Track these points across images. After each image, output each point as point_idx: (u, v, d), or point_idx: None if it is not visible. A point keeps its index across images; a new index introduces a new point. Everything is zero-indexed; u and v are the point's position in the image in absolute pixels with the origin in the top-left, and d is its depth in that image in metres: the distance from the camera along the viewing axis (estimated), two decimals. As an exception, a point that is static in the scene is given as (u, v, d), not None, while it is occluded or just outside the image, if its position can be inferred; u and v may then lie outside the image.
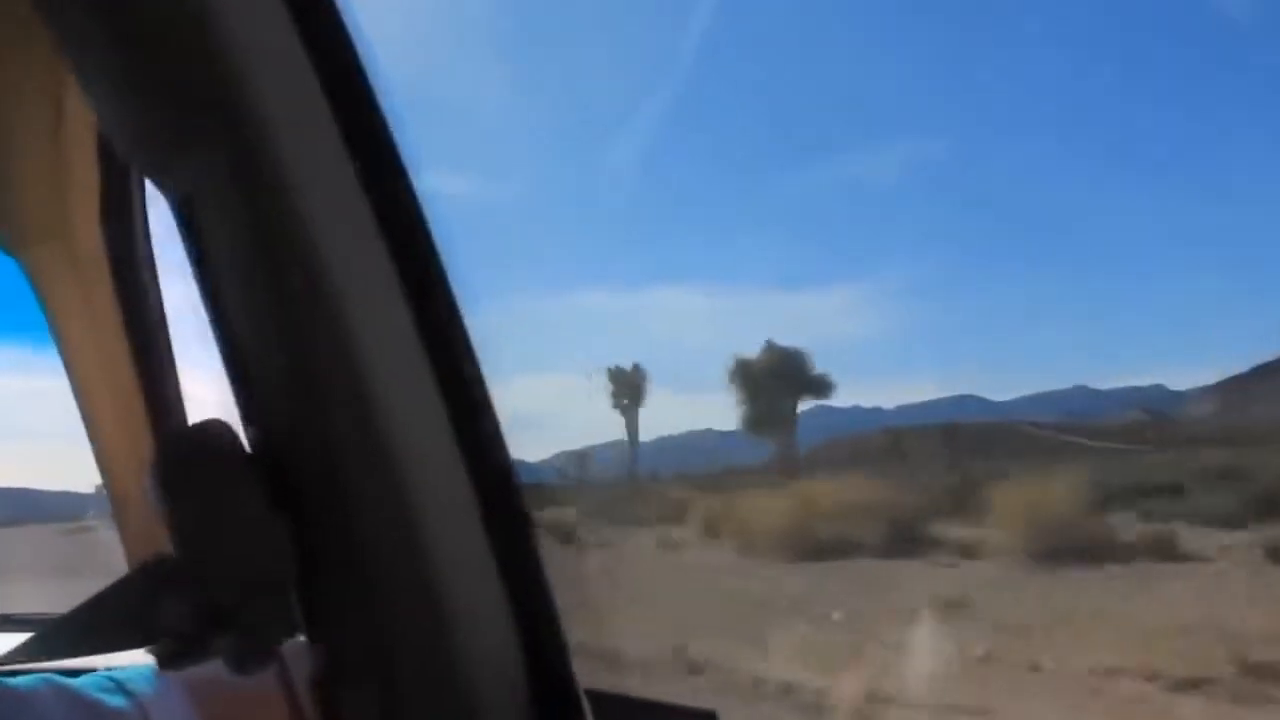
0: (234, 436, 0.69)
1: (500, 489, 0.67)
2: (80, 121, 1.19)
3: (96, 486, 1.60)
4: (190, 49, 0.62)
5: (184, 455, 0.68)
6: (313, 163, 0.63)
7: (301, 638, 0.70)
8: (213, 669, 0.74)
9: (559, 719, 0.67)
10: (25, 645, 0.70)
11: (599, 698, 0.68)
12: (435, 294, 0.66)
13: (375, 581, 0.64)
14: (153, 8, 0.62)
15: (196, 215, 0.68)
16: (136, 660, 1.05)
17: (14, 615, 1.88)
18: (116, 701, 0.81)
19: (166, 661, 0.72)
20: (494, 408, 0.68)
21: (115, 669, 0.84)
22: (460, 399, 0.66)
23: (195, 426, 0.71)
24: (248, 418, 0.70)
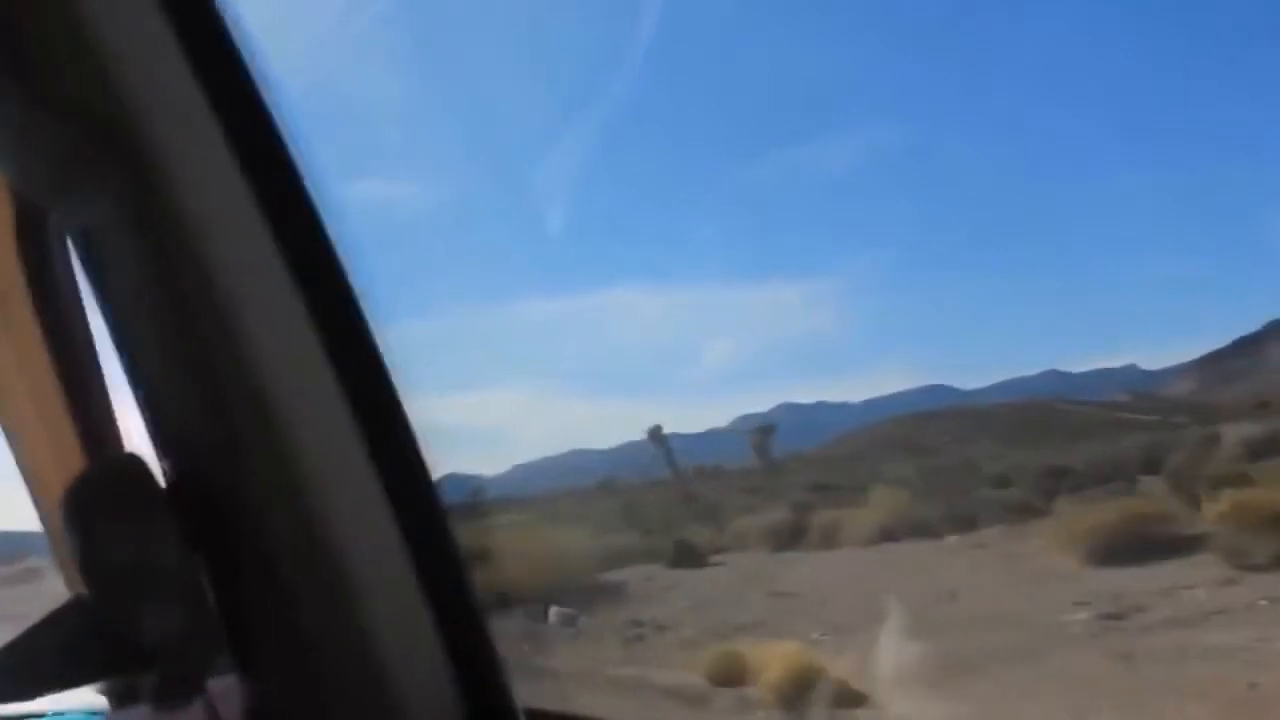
0: (148, 472, 0.67)
1: (423, 512, 0.66)
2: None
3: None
4: (84, 85, 0.60)
5: (97, 493, 0.67)
6: (210, 193, 0.62)
7: (231, 675, 0.69)
8: (145, 710, 0.72)
9: None
10: None
11: (534, 716, 0.68)
12: (346, 318, 0.65)
13: (299, 615, 0.63)
14: (44, 40, 0.61)
15: (96, 248, 0.66)
16: (74, 701, 1.03)
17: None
18: None
19: (115, 701, 0.71)
20: (413, 429, 0.67)
21: (52, 713, 0.82)
22: (377, 423, 0.65)
23: (107, 463, 0.69)
24: (162, 452, 0.69)
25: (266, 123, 0.64)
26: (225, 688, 0.69)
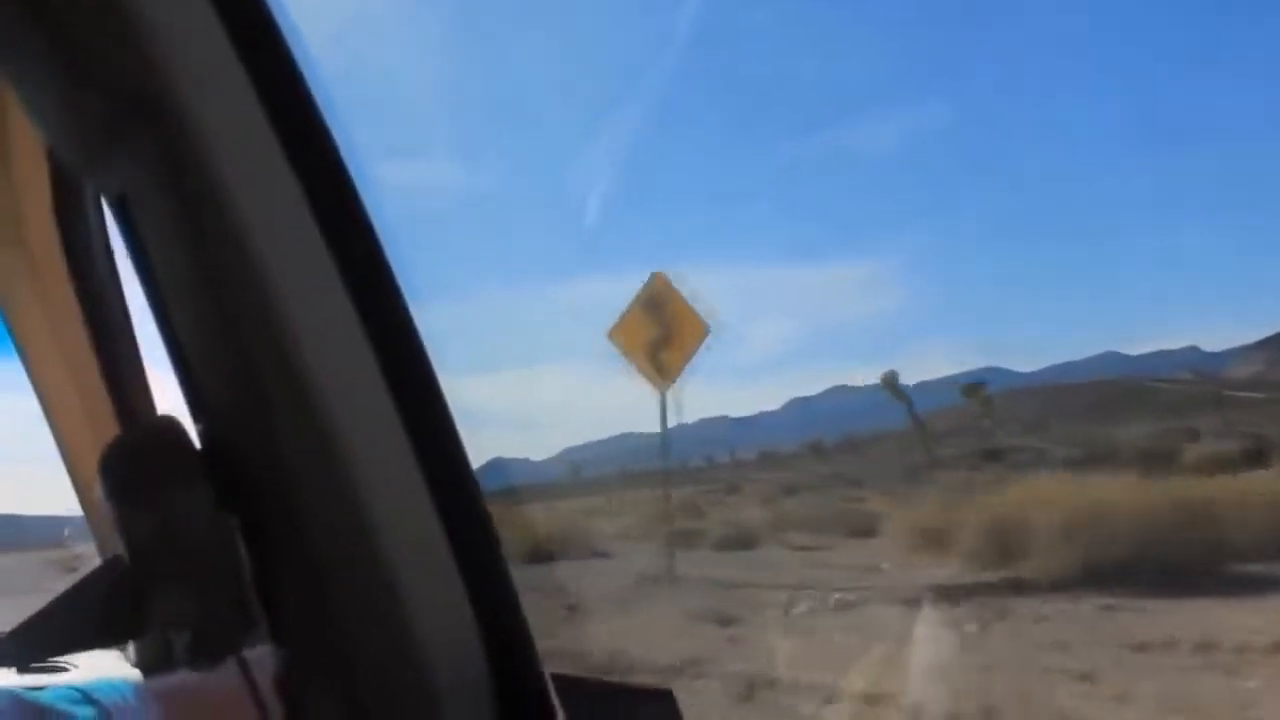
0: (184, 435, 0.68)
1: (454, 481, 0.66)
2: (29, 124, 1.17)
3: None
4: (117, 48, 0.60)
5: (133, 456, 0.68)
6: (245, 159, 0.62)
7: (265, 641, 0.69)
8: (179, 675, 0.73)
9: (523, 705, 0.67)
10: None
11: (559, 680, 0.68)
12: (379, 287, 0.65)
13: (331, 580, 0.64)
14: (75, 5, 0.61)
15: (132, 214, 0.67)
16: (105, 668, 1.05)
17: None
18: (84, 712, 0.81)
19: (146, 667, 0.72)
20: (445, 400, 0.67)
21: (83, 680, 0.83)
22: (409, 393, 0.65)
23: (145, 426, 0.70)
24: (196, 417, 0.69)
25: (303, 92, 0.64)
26: (260, 653, 0.69)
